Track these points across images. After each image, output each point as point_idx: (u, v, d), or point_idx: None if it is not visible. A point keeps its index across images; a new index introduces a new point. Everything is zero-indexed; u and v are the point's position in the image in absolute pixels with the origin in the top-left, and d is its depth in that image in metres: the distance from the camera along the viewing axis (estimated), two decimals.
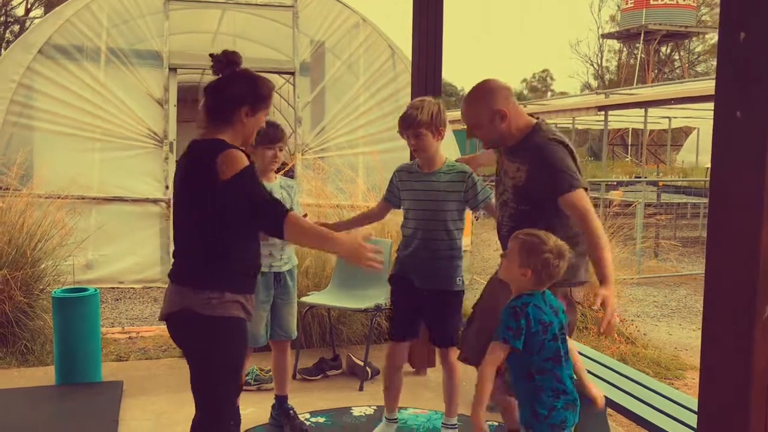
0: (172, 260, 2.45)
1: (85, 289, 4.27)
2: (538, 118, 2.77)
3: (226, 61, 2.40)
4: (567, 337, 2.46)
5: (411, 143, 3.15)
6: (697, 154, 20.81)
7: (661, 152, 25.95)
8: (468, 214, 5.02)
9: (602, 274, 2.41)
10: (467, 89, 3.05)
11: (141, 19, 7.83)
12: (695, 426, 1.80)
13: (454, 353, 3.14)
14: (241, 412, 2.49)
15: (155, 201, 7.51)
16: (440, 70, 4.48)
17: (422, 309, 3.26)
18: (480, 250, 7.29)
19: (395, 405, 3.44)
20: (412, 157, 3.37)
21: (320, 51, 8.67)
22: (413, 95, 4.31)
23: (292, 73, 8.20)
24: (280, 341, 3.63)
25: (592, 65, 39.33)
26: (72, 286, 4.54)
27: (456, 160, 3.39)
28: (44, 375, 4.34)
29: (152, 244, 7.43)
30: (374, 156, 6.60)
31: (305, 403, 3.90)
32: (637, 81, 28.23)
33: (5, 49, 17.63)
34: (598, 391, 2.60)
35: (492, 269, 2.81)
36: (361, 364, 4.37)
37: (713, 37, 30.36)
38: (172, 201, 7.11)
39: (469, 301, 3.34)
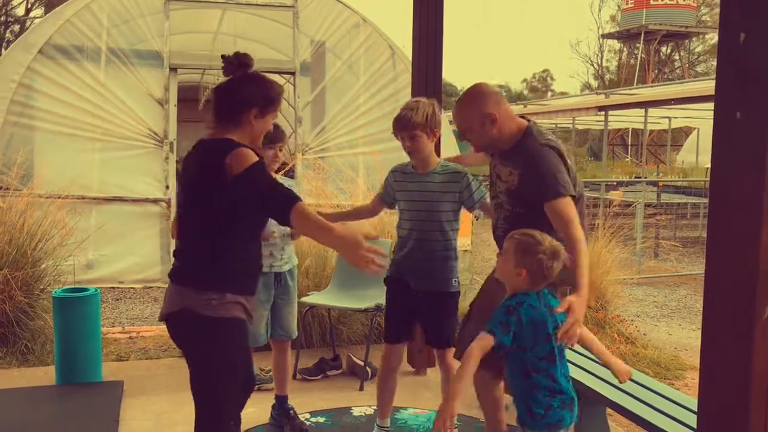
0: (173, 260, 2.45)
1: (85, 289, 4.27)
2: (529, 121, 2.78)
3: (237, 63, 2.42)
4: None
5: (406, 145, 3.15)
6: (697, 155, 20.81)
7: (661, 152, 25.95)
8: (468, 214, 5.03)
9: (575, 283, 2.42)
10: None
11: (141, 19, 7.84)
12: (695, 426, 1.80)
13: (451, 354, 3.15)
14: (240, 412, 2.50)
15: (155, 201, 7.51)
16: (440, 70, 4.48)
17: (418, 310, 3.25)
18: (480, 250, 7.30)
19: (388, 411, 3.42)
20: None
21: (320, 51, 8.67)
22: (413, 95, 4.31)
23: (293, 73, 8.20)
24: (280, 341, 3.63)
25: (593, 65, 39.33)
26: (72, 286, 4.55)
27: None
28: (44, 375, 4.34)
29: (152, 243, 7.44)
30: (374, 156, 6.61)
31: (305, 403, 3.91)
32: (638, 81, 28.23)
33: (5, 49, 17.62)
34: (624, 366, 2.62)
35: (491, 269, 2.81)
36: (362, 364, 4.37)
37: (713, 38, 30.36)
38: (173, 201, 7.12)
39: (469, 300, 3.34)
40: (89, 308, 4.16)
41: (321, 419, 3.77)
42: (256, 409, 3.73)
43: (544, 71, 50.79)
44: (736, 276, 1.61)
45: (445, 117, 7.61)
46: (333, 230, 2.18)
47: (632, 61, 33.57)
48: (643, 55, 30.91)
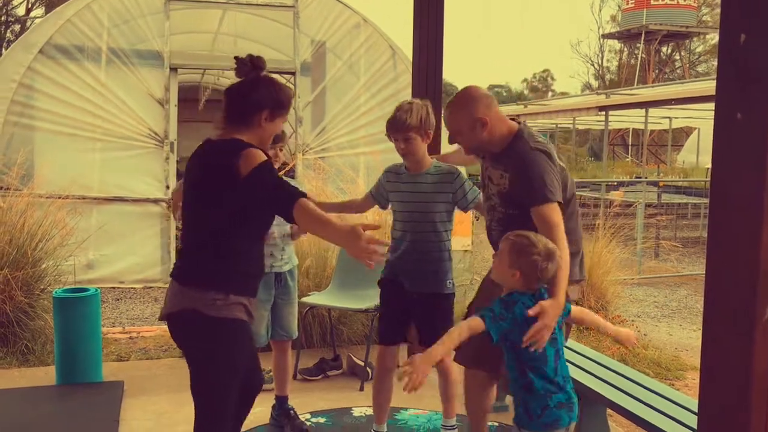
0: (175, 260, 2.45)
1: (85, 289, 4.28)
2: (520, 123, 2.78)
3: (251, 65, 2.42)
4: (562, 329, 2.49)
5: (400, 147, 3.14)
6: (697, 155, 20.79)
7: (661, 152, 25.95)
8: (468, 214, 5.03)
9: (551, 290, 2.43)
10: None
11: (142, 19, 7.84)
12: (695, 427, 1.80)
13: (449, 356, 3.14)
14: None
15: (156, 201, 7.51)
16: (441, 71, 4.49)
17: (412, 311, 3.24)
18: (480, 250, 7.28)
19: (384, 415, 3.41)
20: None
21: (321, 51, 8.67)
22: (414, 95, 4.32)
23: (293, 73, 8.20)
24: (280, 341, 3.64)
25: (593, 65, 39.35)
26: (73, 286, 4.55)
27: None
28: (45, 375, 4.34)
29: (153, 244, 7.44)
30: (375, 156, 6.60)
31: (306, 403, 3.91)
32: (638, 81, 28.23)
33: (6, 48, 17.65)
34: (627, 332, 2.65)
35: (490, 270, 2.82)
36: (362, 364, 4.37)
37: (714, 38, 30.36)
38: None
39: (469, 300, 3.34)
40: (89, 308, 4.16)
41: (321, 419, 3.77)
42: (257, 410, 3.73)
43: (544, 71, 50.84)
44: (737, 276, 1.61)
45: None
46: (332, 224, 2.18)
47: (633, 61, 33.57)
48: (643, 55, 30.90)
